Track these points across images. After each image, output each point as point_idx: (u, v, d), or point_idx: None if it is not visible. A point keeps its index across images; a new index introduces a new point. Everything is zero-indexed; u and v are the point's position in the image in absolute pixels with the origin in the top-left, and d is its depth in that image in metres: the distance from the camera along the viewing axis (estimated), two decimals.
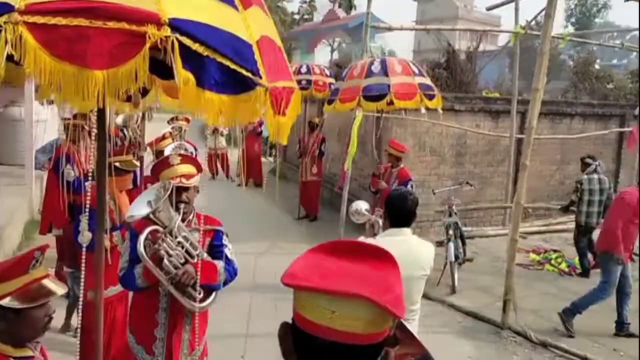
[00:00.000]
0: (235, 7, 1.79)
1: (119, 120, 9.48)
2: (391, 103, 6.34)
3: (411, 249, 3.46)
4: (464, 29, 10.10)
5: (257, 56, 1.78)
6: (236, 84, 1.73)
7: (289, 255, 5.76)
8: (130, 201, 4.64)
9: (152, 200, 3.21)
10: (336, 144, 12.08)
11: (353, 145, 8.76)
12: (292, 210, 11.83)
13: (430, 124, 10.17)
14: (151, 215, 3.17)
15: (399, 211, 3.55)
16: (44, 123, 10.57)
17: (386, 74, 6.48)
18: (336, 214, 8.61)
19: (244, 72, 1.73)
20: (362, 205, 4.63)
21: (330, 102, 7.34)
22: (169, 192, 3.23)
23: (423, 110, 6.79)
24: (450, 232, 7.81)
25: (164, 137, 6.59)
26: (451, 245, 7.57)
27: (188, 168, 3.55)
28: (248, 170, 14.61)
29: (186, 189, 3.46)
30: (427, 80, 6.78)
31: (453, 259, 7.54)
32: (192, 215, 3.58)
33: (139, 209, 3.17)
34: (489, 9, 11.44)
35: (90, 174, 6.23)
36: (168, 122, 8.16)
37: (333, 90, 7.38)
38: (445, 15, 55.45)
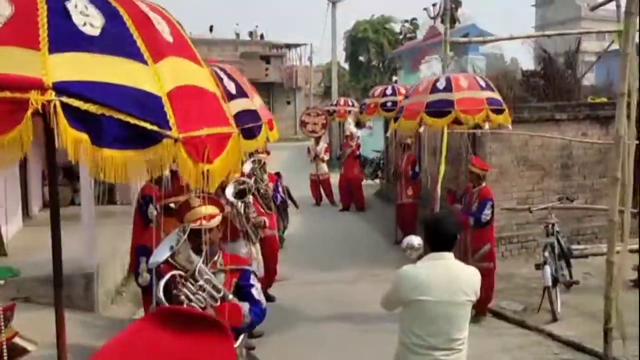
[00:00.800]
0: (144, 62, 1.75)
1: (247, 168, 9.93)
2: (457, 121, 6.04)
3: (451, 274, 3.43)
4: (560, 33, 9.29)
5: (167, 107, 1.73)
6: (141, 138, 1.68)
7: (382, 282, 5.69)
8: None
9: (173, 244, 3.24)
10: (434, 163, 11.70)
11: (441, 164, 8.42)
12: (392, 234, 11.58)
13: (529, 136, 9.55)
14: (170, 260, 3.19)
15: (437, 235, 3.51)
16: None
17: (451, 90, 6.18)
18: None
19: (148, 125, 1.67)
20: (414, 240, 4.38)
21: (396, 119, 7.20)
22: (186, 235, 3.24)
23: (487, 126, 6.36)
24: (547, 253, 7.19)
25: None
26: (547, 268, 6.95)
27: (209, 209, 3.59)
28: (349, 194, 14.59)
29: (209, 230, 3.45)
30: (496, 95, 6.36)
31: (550, 283, 6.91)
32: (217, 256, 3.58)
33: (159, 254, 3.21)
34: (592, 9, 10.59)
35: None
36: (249, 156, 8.35)
37: (400, 108, 7.18)
38: (567, 17, 52.32)
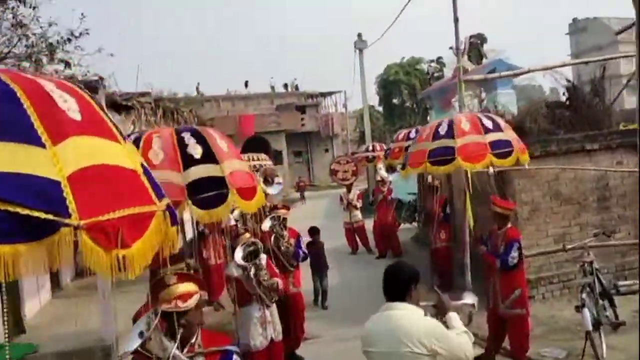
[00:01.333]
0: (42, 145, 1.64)
1: (236, 214, 9.83)
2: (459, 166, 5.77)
3: (391, 324, 3.33)
4: (579, 62, 8.91)
5: (66, 193, 1.60)
6: (35, 229, 1.55)
7: None
8: None
9: (143, 330, 3.04)
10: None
11: (467, 207, 8.11)
12: (428, 280, 11.15)
13: (560, 170, 9.14)
14: (140, 349, 2.98)
15: (386, 285, 3.48)
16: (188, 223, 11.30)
17: (452, 136, 5.97)
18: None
19: (42, 214, 1.55)
20: (467, 299, 4.06)
21: (404, 166, 7.00)
22: (157, 319, 3.04)
23: (491, 171, 6.07)
24: (584, 295, 6.71)
25: (244, 232, 6.57)
26: (586, 312, 6.47)
27: (186, 287, 3.27)
28: (385, 240, 14.27)
29: (185, 311, 3.20)
30: (505, 136, 6.08)
31: (590, 327, 6.42)
32: (195, 338, 3.28)
33: (130, 342, 3.02)
34: (617, 33, 10.26)
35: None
36: (269, 212, 8.25)
37: (406, 155, 6.98)
38: (604, 42, 51.30)
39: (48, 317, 8.29)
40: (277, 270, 6.20)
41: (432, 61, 30.03)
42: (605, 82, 9.96)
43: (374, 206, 14.81)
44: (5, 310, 2.03)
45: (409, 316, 3.33)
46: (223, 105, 47.44)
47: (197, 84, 55.01)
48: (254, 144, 40.09)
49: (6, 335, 2.03)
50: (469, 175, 8.12)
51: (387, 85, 40.97)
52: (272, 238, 7.39)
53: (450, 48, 20.35)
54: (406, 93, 39.84)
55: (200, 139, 3.88)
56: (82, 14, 18.90)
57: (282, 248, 7.37)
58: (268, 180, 13.34)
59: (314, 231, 9.56)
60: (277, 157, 42.20)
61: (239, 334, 6.03)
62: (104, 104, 6.66)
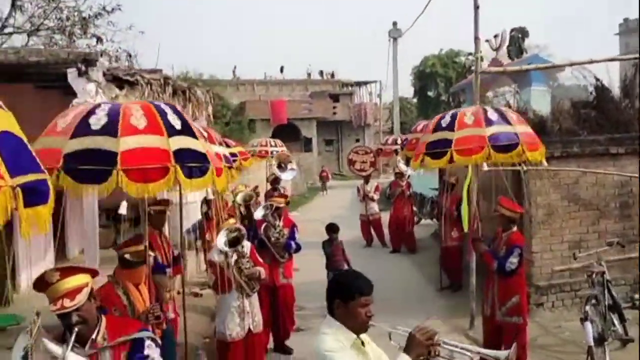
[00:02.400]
0: None
1: (239, 198, 9.65)
2: (452, 160, 5.42)
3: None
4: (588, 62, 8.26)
5: None
6: None
7: None
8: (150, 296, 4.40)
9: (27, 344, 2.71)
10: (483, 202, 10.88)
11: (464, 206, 7.78)
12: (438, 279, 10.77)
13: (581, 173, 8.65)
14: None
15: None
16: (193, 204, 11.19)
17: (452, 128, 5.63)
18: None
19: None
20: None
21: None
22: (37, 325, 2.73)
23: (485, 167, 5.68)
24: (588, 307, 6.29)
25: (228, 217, 6.35)
26: (587, 325, 6.05)
27: (72, 282, 2.90)
28: (399, 235, 13.93)
29: (76, 309, 2.85)
30: (510, 129, 5.67)
31: (592, 343, 6.01)
32: (96, 332, 2.97)
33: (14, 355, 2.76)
34: None
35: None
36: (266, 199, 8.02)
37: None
38: None
39: None
40: (261, 260, 5.96)
41: (469, 54, 29.24)
42: (637, 83, 9.36)
43: (391, 200, 14.45)
44: None
45: (318, 334, 2.98)
46: (258, 89, 47.48)
47: (234, 67, 55.22)
48: (285, 130, 40.08)
49: None
50: (470, 170, 7.73)
51: (423, 76, 40.23)
52: (263, 227, 7.15)
53: (487, 41, 19.67)
54: (442, 85, 39.00)
55: (177, 112, 3.74)
56: None
57: (272, 239, 7.12)
58: (282, 165, 13.18)
59: (331, 229, 9.06)
60: (307, 145, 42.06)
61: (216, 322, 5.85)
62: (100, 77, 6.49)
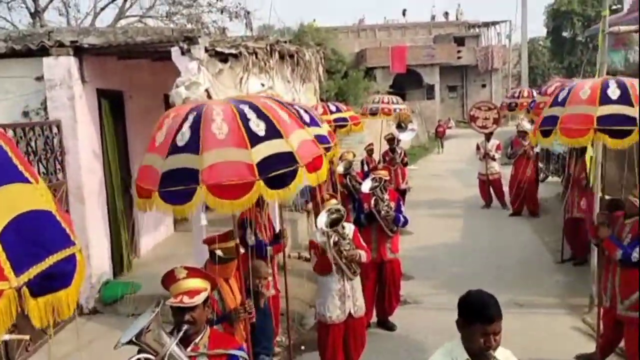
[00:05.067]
0: None
1: (340, 169, 9.51)
2: None
3: None
4: None
5: None
6: None
7: (526, 316, 5.02)
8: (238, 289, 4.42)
9: (145, 323, 2.92)
10: (615, 170, 9.84)
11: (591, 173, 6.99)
12: (559, 250, 10.02)
13: None
14: (135, 341, 2.88)
15: None
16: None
17: (564, 104, 4.98)
18: None
19: None
20: None
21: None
22: (156, 312, 2.91)
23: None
24: None
25: (330, 197, 6.18)
26: None
27: (195, 283, 3.17)
28: (521, 197, 13.13)
29: (191, 308, 3.08)
30: (630, 111, 4.88)
31: None
32: (200, 337, 3.14)
33: (128, 333, 2.92)
34: None
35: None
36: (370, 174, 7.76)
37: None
38: None
39: (162, 253, 8.74)
40: (363, 243, 5.81)
41: None
42: None
43: (512, 159, 13.60)
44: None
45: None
46: (379, 35, 46.45)
47: (362, 16, 53.99)
48: (406, 78, 39.03)
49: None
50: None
51: (558, 15, 36.91)
52: (372, 200, 6.96)
53: None
54: (579, 25, 35.57)
55: (261, 114, 3.54)
56: None
57: (382, 212, 6.92)
58: (401, 125, 12.80)
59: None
60: (429, 92, 40.80)
61: (316, 303, 5.85)
62: (202, 54, 6.54)
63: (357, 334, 5.81)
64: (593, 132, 4.86)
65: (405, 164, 13.39)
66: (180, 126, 3.47)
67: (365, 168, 12.65)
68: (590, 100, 4.98)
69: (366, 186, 7.09)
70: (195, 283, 3.18)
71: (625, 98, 4.93)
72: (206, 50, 6.71)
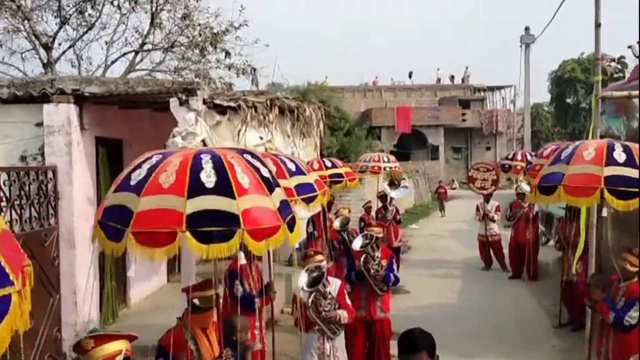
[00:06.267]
0: None
1: (336, 224, 9.48)
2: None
3: None
4: None
5: None
6: None
7: None
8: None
9: None
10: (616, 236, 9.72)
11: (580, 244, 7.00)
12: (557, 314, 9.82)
13: None
14: None
15: None
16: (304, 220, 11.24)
17: (568, 162, 5.00)
18: None
19: None
20: None
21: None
22: None
23: (605, 213, 4.89)
24: None
25: (314, 254, 6.11)
26: None
27: (107, 349, 3.18)
28: (520, 260, 12.98)
29: None
30: (636, 173, 4.91)
31: None
32: None
33: None
34: None
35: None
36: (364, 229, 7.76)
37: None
38: None
39: (153, 304, 8.62)
40: (349, 302, 5.71)
41: (612, 60, 26.68)
42: None
43: (511, 221, 13.52)
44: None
45: None
46: (385, 95, 47.26)
47: (375, 77, 54.92)
48: (410, 138, 39.43)
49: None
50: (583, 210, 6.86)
51: (561, 82, 37.52)
52: (362, 258, 6.88)
53: (629, 47, 17.86)
54: (582, 92, 36.07)
55: (220, 168, 3.50)
56: (241, 6, 19.75)
57: (372, 271, 6.82)
58: (394, 182, 12.85)
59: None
60: (433, 153, 41.10)
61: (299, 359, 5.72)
62: (200, 105, 6.65)
63: None
64: (600, 191, 4.85)
65: (399, 222, 13.33)
66: (140, 165, 3.53)
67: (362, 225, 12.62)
68: (595, 161, 4.98)
69: (357, 243, 7.05)
70: (107, 349, 3.19)
71: (631, 161, 4.95)
72: (204, 102, 6.82)
